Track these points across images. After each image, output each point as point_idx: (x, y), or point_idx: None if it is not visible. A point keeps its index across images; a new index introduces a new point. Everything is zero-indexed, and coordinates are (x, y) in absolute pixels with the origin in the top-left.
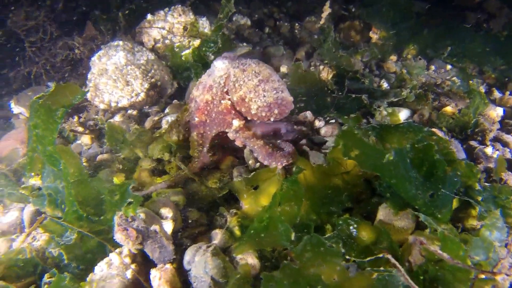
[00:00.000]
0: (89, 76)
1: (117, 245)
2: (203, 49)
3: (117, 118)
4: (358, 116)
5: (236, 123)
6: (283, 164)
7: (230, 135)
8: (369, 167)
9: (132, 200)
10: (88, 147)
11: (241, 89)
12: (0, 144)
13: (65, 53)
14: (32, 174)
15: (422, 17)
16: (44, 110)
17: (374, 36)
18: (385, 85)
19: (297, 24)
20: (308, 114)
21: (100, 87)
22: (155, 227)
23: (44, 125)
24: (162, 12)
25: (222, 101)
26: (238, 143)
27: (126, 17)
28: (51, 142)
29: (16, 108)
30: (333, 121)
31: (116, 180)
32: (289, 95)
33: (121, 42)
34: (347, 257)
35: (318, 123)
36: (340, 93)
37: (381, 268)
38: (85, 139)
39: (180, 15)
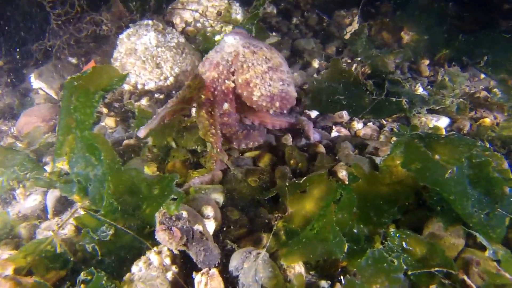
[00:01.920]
0: (115, 54)
1: (153, 242)
2: None
3: (144, 102)
4: (416, 125)
5: (226, 106)
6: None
7: None
8: (429, 181)
9: (176, 197)
10: (112, 131)
11: (248, 72)
12: (21, 120)
13: (91, 29)
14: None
15: (454, 21)
16: (83, 92)
17: (406, 36)
18: (420, 89)
19: (325, 17)
20: (345, 113)
21: (127, 67)
22: (198, 227)
23: (82, 108)
24: None
25: (226, 81)
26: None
27: None
28: (88, 127)
29: (36, 83)
30: (370, 123)
31: (148, 170)
32: (294, 91)
33: (151, 22)
34: None
35: (356, 125)
36: (377, 95)
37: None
38: (110, 122)
39: None
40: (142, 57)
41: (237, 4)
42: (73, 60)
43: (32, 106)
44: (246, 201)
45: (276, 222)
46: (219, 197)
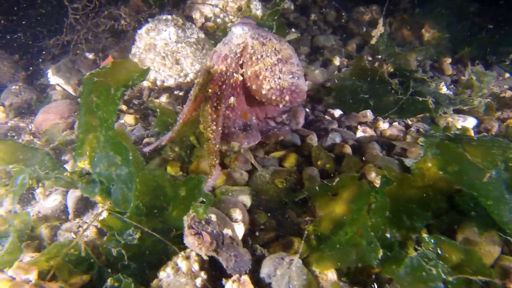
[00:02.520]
0: (133, 50)
1: (180, 246)
2: None
3: (163, 99)
4: (449, 127)
5: (232, 100)
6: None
7: None
8: (465, 185)
9: (204, 200)
10: (132, 128)
11: (257, 64)
12: (39, 117)
13: (109, 24)
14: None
15: (475, 18)
16: (105, 89)
17: (427, 34)
18: (444, 89)
19: (343, 13)
20: (369, 113)
21: (146, 63)
22: (228, 231)
23: (104, 106)
24: None
25: (234, 74)
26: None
27: None
28: (111, 126)
29: (53, 79)
30: (396, 123)
31: (170, 170)
32: (305, 84)
33: (170, 17)
34: None
35: (382, 125)
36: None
37: None
38: (129, 119)
39: None
40: (162, 52)
41: (259, 1)
42: (90, 56)
43: (50, 103)
44: (273, 203)
45: (306, 226)
46: (246, 199)
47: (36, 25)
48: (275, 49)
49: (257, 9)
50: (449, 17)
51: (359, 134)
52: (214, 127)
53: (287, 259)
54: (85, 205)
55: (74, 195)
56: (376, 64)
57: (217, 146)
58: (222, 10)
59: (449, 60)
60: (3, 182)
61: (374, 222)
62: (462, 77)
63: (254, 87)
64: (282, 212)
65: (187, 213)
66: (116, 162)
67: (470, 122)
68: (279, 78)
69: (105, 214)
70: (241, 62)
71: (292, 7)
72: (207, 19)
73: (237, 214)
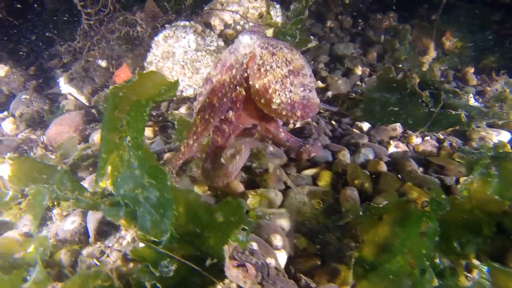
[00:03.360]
0: (149, 57)
1: (216, 276)
2: None
3: (183, 110)
4: (502, 144)
5: (230, 114)
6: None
7: None
8: None
9: (246, 227)
10: (151, 141)
11: (266, 76)
12: (52, 129)
13: (124, 30)
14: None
15: (497, 26)
16: (135, 105)
17: (447, 42)
18: (472, 100)
19: (360, 20)
20: (398, 126)
21: (164, 72)
22: (271, 261)
23: (134, 123)
24: None
25: (237, 87)
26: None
27: None
28: (140, 144)
29: (65, 88)
30: (428, 137)
31: (198, 189)
32: (317, 97)
33: (188, 23)
34: None
35: (415, 139)
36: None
37: None
38: (147, 131)
39: None
40: (181, 61)
41: (277, 6)
42: (103, 63)
43: (63, 114)
44: (311, 226)
45: (351, 253)
46: (285, 223)
47: (47, 30)
48: (286, 59)
49: (278, 16)
50: (471, 26)
51: (391, 149)
52: (190, 143)
53: None
54: (107, 228)
55: (95, 217)
56: (401, 74)
57: (182, 161)
58: (242, 17)
59: (472, 70)
60: (17, 202)
61: (427, 249)
62: (488, 88)
63: (262, 101)
64: (321, 236)
65: (225, 241)
66: (143, 184)
67: (504, 136)
68: (290, 91)
69: (129, 238)
70: (246, 74)
71: (307, 13)
72: (226, 26)
73: (278, 240)
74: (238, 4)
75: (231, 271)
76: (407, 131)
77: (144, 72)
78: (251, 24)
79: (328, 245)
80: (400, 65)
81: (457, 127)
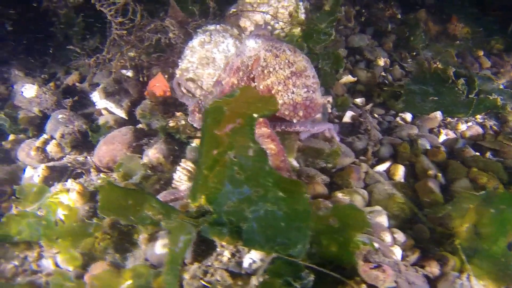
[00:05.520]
0: (184, 64)
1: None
2: (310, 40)
3: None
4: None
5: None
6: None
7: None
8: None
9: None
10: None
11: (269, 78)
12: (102, 148)
13: (156, 37)
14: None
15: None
16: (247, 122)
17: (451, 26)
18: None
19: (363, 10)
20: (438, 114)
21: (205, 79)
22: (395, 258)
23: (243, 141)
24: None
25: None
26: None
27: None
28: (265, 158)
29: (102, 102)
30: (470, 123)
31: None
32: (321, 97)
33: (219, 27)
34: None
35: (461, 126)
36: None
37: None
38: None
39: None
40: (223, 66)
41: (300, 3)
42: (129, 73)
43: (106, 131)
44: (401, 219)
45: (452, 240)
46: (384, 220)
47: (69, 43)
48: (288, 61)
49: (302, 13)
50: (473, 10)
51: (442, 137)
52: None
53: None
54: (204, 247)
55: (187, 238)
56: (433, 65)
57: None
58: (273, 17)
59: (481, 53)
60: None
61: None
62: (502, 70)
63: None
64: (411, 228)
65: (347, 245)
66: (251, 198)
67: None
68: (293, 92)
69: (228, 255)
70: (252, 76)
71: (308, 6)
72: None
73: (389, 237)
74: (267, 4)
75: (369, 273)
76: (447, 118)
77: (243, 86)
78: (281, 23)
79: (422, 235)
80: (414, 53)
81: (489, 111)
